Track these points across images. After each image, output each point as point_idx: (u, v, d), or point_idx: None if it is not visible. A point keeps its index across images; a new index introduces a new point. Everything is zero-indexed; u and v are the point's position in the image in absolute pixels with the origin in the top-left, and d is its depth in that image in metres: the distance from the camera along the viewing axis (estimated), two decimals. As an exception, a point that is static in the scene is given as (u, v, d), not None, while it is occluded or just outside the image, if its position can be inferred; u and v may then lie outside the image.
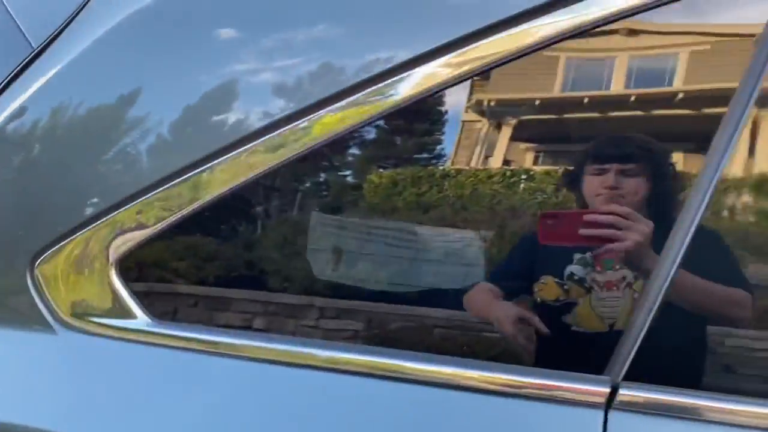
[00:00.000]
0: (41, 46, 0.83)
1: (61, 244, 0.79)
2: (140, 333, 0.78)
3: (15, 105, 0.81)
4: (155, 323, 0.78)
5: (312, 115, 0.73)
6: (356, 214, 1.02)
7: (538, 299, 0.94)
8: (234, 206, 0.84)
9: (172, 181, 0.75)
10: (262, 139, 0.74)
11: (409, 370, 0.70)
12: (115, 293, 0.79)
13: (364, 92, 0.71)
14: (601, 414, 0.63)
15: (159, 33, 0.81)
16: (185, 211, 0.75)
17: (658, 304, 0.66)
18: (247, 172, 0.74)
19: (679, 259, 0.65)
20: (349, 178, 1.02)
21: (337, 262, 1.00)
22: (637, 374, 0.65)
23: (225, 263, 0.93)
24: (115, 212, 0.77)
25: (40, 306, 0.80)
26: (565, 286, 0.93)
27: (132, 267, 0.81)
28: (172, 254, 0.89)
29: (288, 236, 1.00)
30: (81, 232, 0.78)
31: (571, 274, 0.93)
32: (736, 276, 0.78)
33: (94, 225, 0.78)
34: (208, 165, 0.75)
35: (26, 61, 0.83)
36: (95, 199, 0.79)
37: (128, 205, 0.77)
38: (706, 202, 0.65)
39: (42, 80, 0.81)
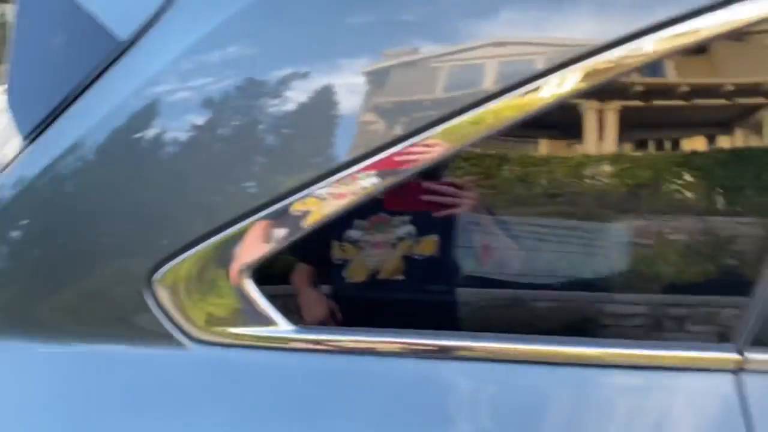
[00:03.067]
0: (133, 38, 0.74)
1: (186, 254, 0.73)
2: (284, 340, 0.74)
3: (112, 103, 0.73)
4: (298, 329, 0.74)
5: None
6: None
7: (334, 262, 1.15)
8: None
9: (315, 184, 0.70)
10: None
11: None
12: (249, 301, 0.73)
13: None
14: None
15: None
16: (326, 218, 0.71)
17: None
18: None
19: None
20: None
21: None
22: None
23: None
24: (249, 218, 0.71)
25: (164, 321, 0.74)
26: (343, 247, 1.12)
27: (268, 273, 0.76)
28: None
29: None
30: (208, 241, 0.72)
31: (349, 236, 1.12)
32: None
33: (223, 233, 0.72)
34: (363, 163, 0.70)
35: (117, 55, 0.75)
36: (226, 203, 0.72)
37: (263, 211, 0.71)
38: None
39: (142, 75, 0.73)
